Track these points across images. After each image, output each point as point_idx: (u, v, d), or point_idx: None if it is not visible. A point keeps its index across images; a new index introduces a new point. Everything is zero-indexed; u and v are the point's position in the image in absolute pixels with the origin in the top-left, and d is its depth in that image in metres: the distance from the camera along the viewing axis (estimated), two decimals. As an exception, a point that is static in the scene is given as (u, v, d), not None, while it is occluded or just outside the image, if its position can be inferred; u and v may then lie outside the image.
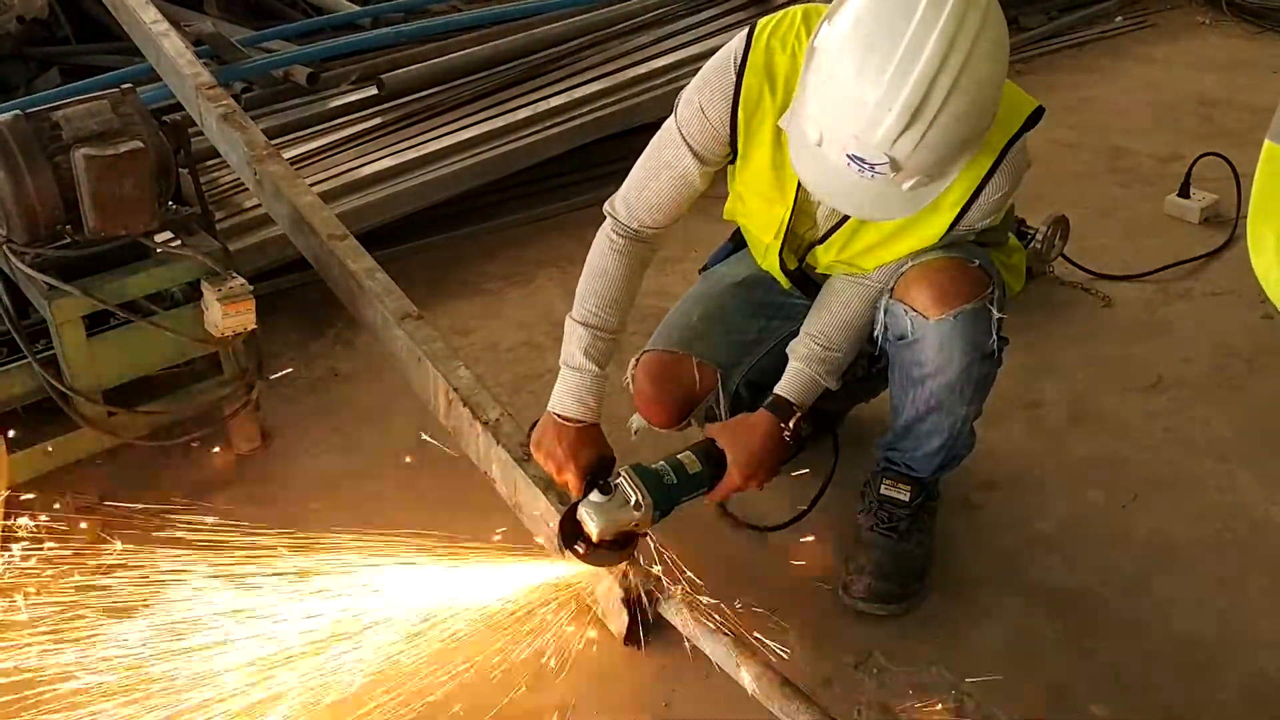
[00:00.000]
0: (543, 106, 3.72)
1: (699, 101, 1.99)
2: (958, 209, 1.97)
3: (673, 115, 2.04)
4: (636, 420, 2.35)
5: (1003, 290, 2.12)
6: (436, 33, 4.07)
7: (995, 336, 2.09)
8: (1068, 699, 2.07)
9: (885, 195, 1.81)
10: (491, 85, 3.80)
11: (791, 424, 2.09)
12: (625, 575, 2.09)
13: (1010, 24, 1.84)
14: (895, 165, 1.71)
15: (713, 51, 2.02)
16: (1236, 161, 3.57)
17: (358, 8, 4.30)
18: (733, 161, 2.06)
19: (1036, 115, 1.94)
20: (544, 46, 3.98)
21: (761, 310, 2.31)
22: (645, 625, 2.11)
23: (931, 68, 1.63)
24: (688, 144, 2.02)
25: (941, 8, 1.63)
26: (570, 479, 2.09)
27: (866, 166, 1.72)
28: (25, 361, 2.28)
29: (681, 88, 2.06)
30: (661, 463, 2.06)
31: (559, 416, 2.10)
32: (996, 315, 2.07)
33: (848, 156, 1.73)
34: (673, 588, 2.07)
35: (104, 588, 2.07)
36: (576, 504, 2.04)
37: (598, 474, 2.06)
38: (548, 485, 2.17)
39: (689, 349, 2.27)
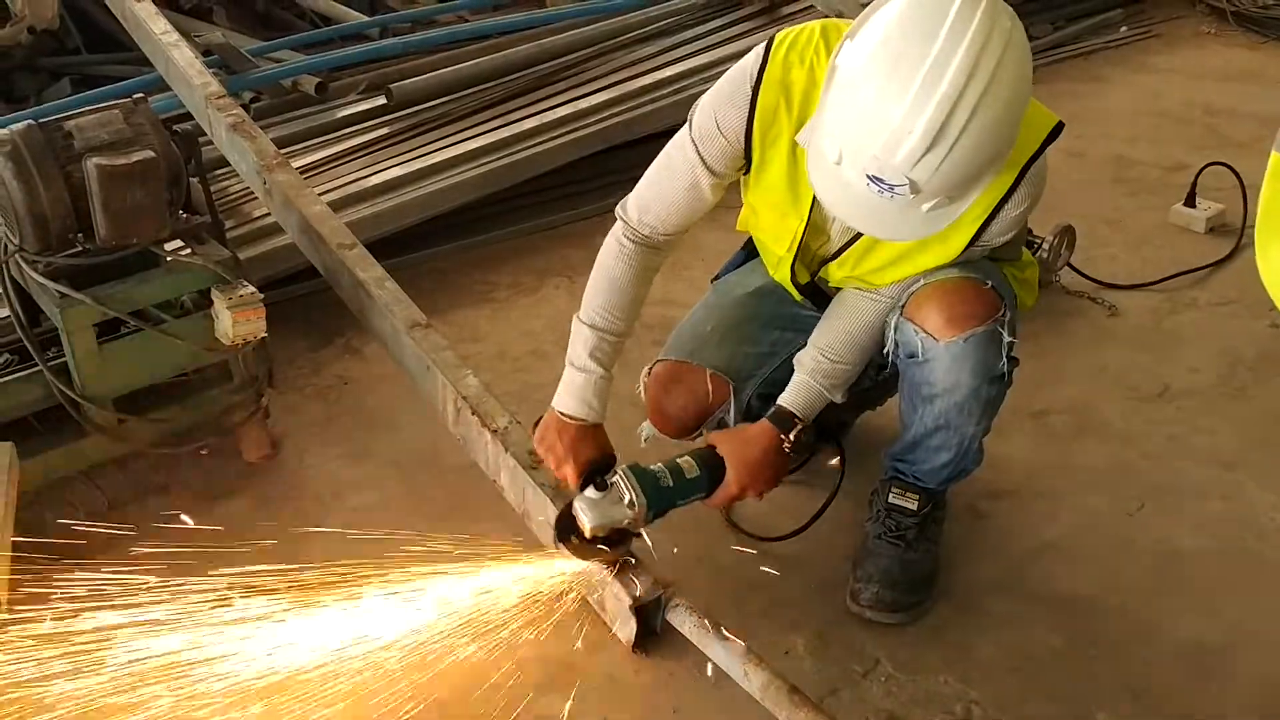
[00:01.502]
0: (550, 116, 3.72)
1: (714, 114, 1.98)
2: (976, 226, 1.96)
3: (687, 125, 2.03)
4: (647, 428, 2.36)
5: (1015, 311, 2.10)
6: (444, 43, 4.09)
7: (1005, 359, 2.07)
8: (1075, 707, 2.07)
9: (903, 216, 1.80)
10: (499, 95, 3.81)
11: (792, 436, 2.10)
12: (632, 582, 2.09)
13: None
14: (915, 187, 1.70)
15: (720, 62, 2.02)
16: (1242, 171, 3.56)
17: (366, 18, 4.33)
18: (746, 172, 2.05)
19: (1056, 131, 1.93)
20: (550, 57, 3.98)
21: (775, 322, 2.31)
22: (653, 632, 2.12)
23: (955, 91, 1.62)
24: (701, 156, 2.01)
25: (966, 30, 1.63)
26: (568, 474, 2.11)
27: (886, 187, 1.71)
28: (37, 369, 2.30)
29: (689, 98, 2.06)
30: (660, 465, 2.08)
31: (561, 414, 2.12)
32: (1007, 339, 2.06)
33: (867, 177, 1.72)
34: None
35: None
36: (574, 500, 2.07)
37: (596, 471, 2.08)
38: (556, 493, 2.18)
39: (702, 360, 2.27)
